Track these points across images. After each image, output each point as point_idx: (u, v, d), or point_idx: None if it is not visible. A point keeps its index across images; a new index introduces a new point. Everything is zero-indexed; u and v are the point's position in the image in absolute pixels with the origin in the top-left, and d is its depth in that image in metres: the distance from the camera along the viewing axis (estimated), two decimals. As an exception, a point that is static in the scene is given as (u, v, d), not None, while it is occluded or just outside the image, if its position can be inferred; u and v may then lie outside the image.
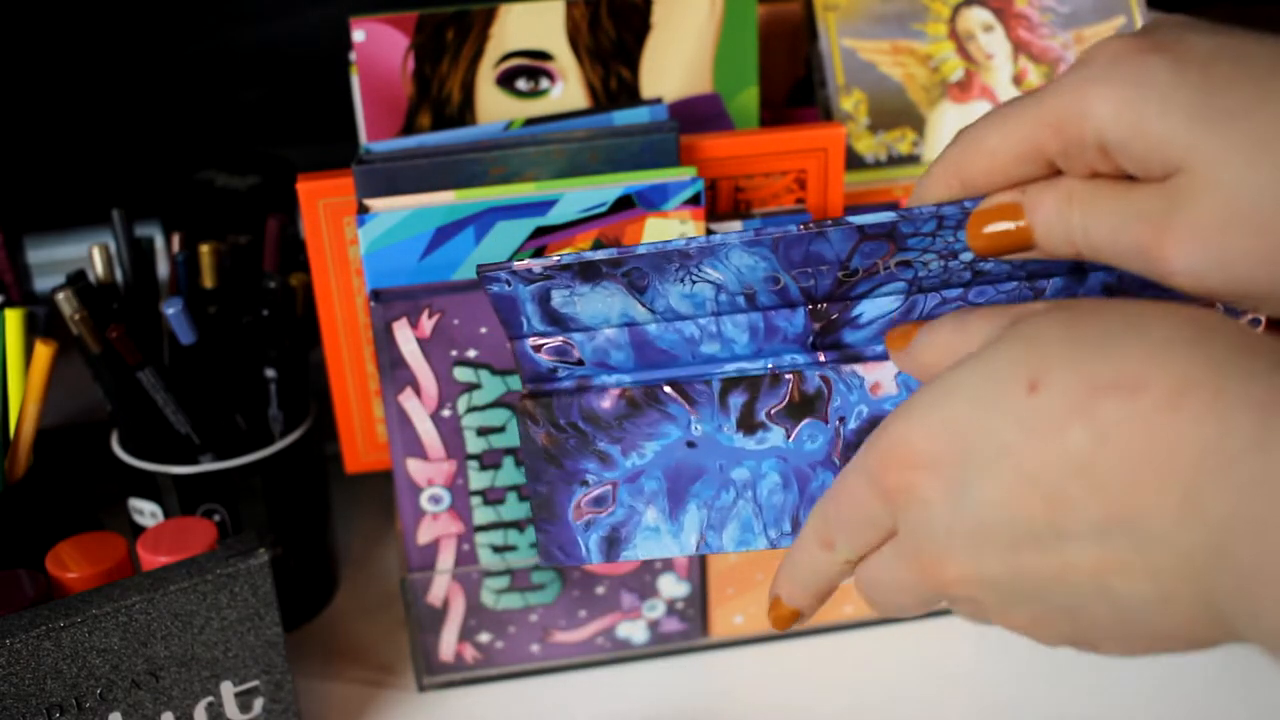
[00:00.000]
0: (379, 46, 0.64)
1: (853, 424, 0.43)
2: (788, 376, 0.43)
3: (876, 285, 0.43)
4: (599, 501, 0.45)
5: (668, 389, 0.44)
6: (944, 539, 0.35)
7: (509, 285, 0.43)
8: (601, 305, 0.43)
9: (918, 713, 0.61)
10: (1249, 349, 0.31)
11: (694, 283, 0.42)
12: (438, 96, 0.65)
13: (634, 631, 0.64)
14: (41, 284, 0.81)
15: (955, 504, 0.34)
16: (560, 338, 0.45)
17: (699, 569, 0.63)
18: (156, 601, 0.50)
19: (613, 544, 0.45)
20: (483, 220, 0.56)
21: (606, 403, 0.44)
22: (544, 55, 0.65)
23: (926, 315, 0.43)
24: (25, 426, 0.59)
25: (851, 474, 0.38)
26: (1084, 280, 0.43)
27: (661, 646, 0.65)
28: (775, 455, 0.43)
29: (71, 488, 0.65)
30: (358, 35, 0.63)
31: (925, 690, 0.62)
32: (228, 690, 0.54)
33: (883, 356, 0.43)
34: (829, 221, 0.40)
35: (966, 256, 0.41)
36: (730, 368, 0.45)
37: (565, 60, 0.65)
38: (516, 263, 0.42)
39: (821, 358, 0.44)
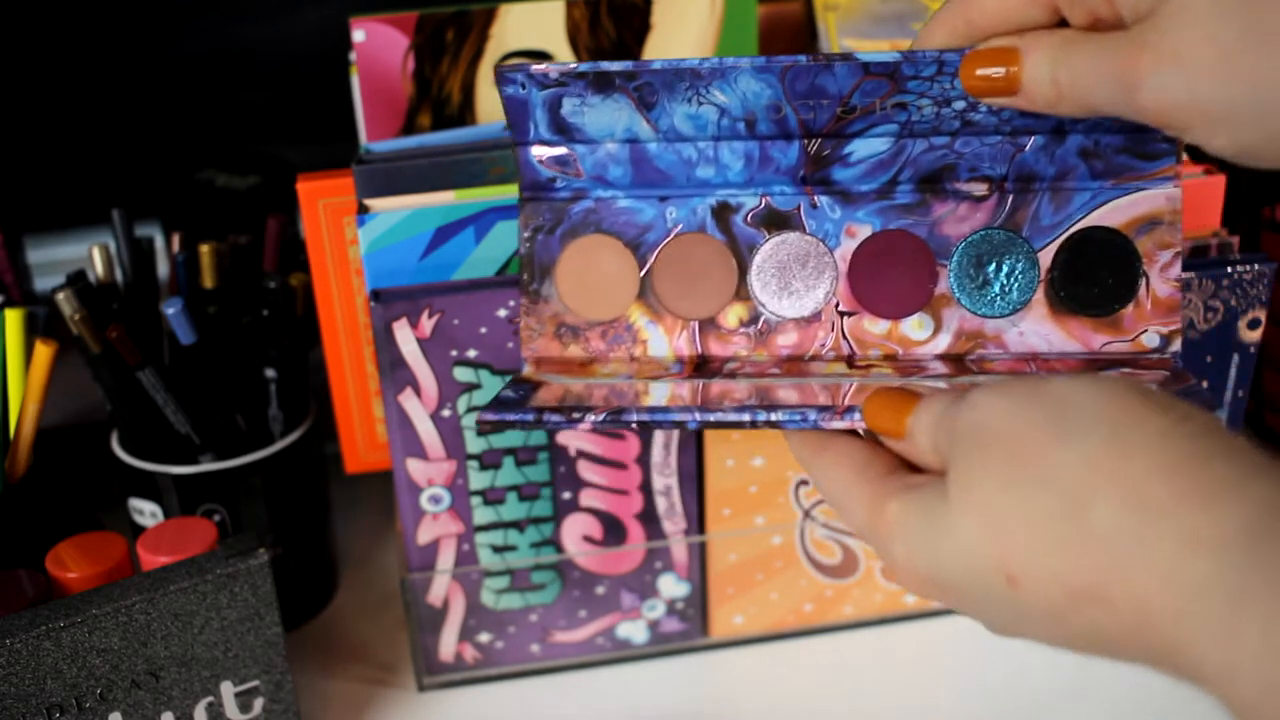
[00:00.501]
0: (379, 46, 0.64)
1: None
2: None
3: (871, 125, 0.45)
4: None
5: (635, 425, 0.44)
6: (990, 626, 0.37)
7: (524, 88, 0.45)
8: (608, 118, 0.46)
9: (918, 713, 0.61)
10: (1194, 537, 0.30)
11: (700, 104, 0.45)
12: (438, 96, 0.65)
13: (634, 631, 0.64)
14: (41, 284, 0.81)
15: (987, 622, 0.36)
16: (563, 148, 0.47)
17: (699, 569, 0.63)
18: (156, 601, 0.50)
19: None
20: (483, 220, 0.56)
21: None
22: (544, 55, 0.65)
23: (914, 160, 0.46)
24: (25, 426, 0.59)
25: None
26: (1063, 141, 0.45)
27: (661, 646, 0.65)
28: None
29: (71, 488, 0.65)
30: (358, 35, 0.63)
31: (925, 690, 0.62)
32: (228, 690, 0.54)
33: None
34: (836, 55, 0.42)
35: (959, 105, 0.44)
36: (721, 193, 0.47)
37: (565, 60, 0.65)
38: (534, 65, 0.44)
39: (809, 192, 0.46)
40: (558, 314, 0.49)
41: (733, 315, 0.48)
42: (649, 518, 0.61)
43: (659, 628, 0.64)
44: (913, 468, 0.39)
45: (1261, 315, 0.61)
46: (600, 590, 0.62)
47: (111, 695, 0.50)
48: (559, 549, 0.61)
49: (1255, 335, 0.61)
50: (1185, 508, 0.31)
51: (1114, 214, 0.46)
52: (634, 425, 0.43)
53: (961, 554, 0.35)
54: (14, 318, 0.58)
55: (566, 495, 0.60)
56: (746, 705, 0.62)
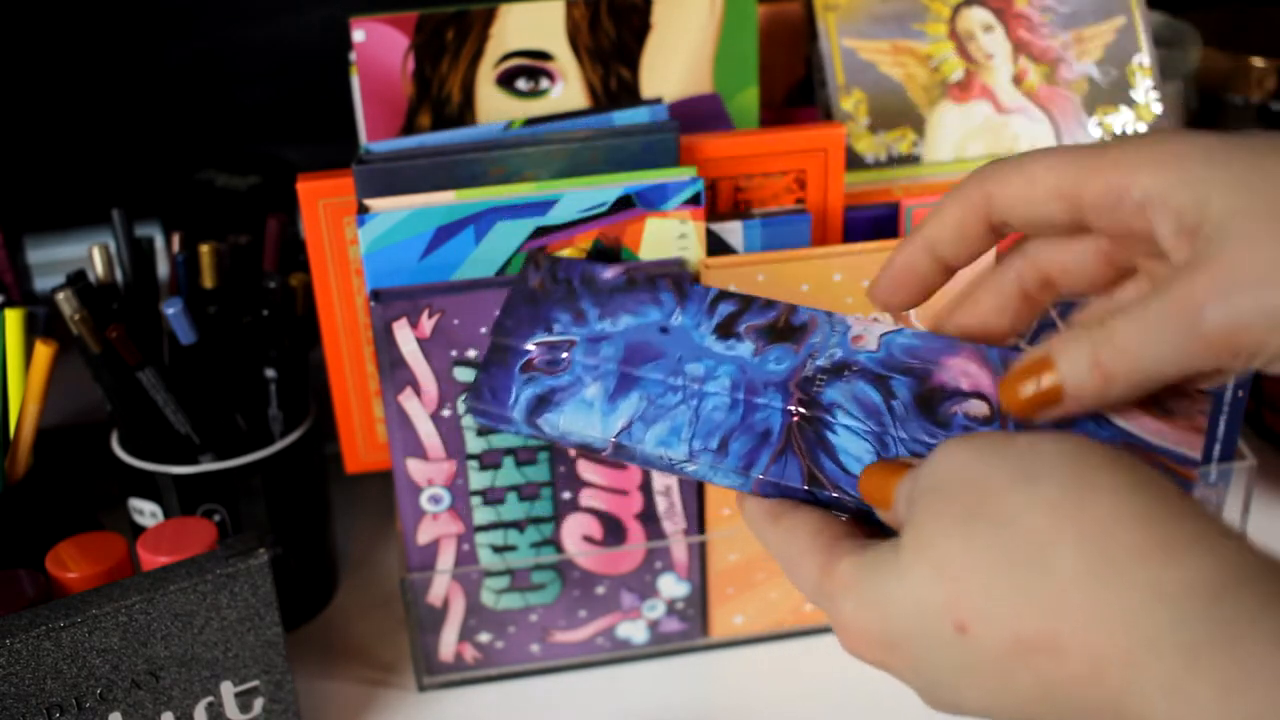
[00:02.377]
0: (379, 46, 0.64)
1: (821, 360, 0.43)
2: (780, 304, 0.44)
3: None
4: (552, 362, 0.45)
5: (664, 280, 0.44)
6: (932, 692, 0.36)
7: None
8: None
9: (917, 713, 0.61)
10: (1155, 587, 0.30)
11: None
12: (438, 96, 0.65)
13: (634, 631, 0.64)
14: (41, 284, 0.81)
15: (930, 684, 0.35)
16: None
17: (699, 569, 0.63)
18: (156, 601, 0.50)
19: (541, 404, 0.45)
20: (483, 220, 0.56)
21: (608, 273, 0.46)
22: (544, 55, 0.65)
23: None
24: (25, 426, 0.59)
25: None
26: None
27: (661, 646, 0.65)
28: (736, 364, 0.43)
29: (71, 488, 0.65)
30: (358, 35, 0.63)
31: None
32: (228, 690, 0.54)
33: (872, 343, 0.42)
34: (819, 483, 0.40)
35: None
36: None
37: (565, 60, 0.65)
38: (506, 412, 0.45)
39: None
40: None
41: None
42: (649, 518, 0.61)
43: (659, 628, 0.64)
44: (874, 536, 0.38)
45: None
46: (600, 590, 0.62)
47: (111, 695, 0.50)
48: (559, 549, 0.61)
49: (1255, 335, 0.61)
50: (1150, 559, 0.30)
51: None
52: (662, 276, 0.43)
53: (910, 600, 0.34)
54: (14, 318, 0.58)
55: (566, 495, 0.60)
56: (746, 705, 0.62)
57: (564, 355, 0.45)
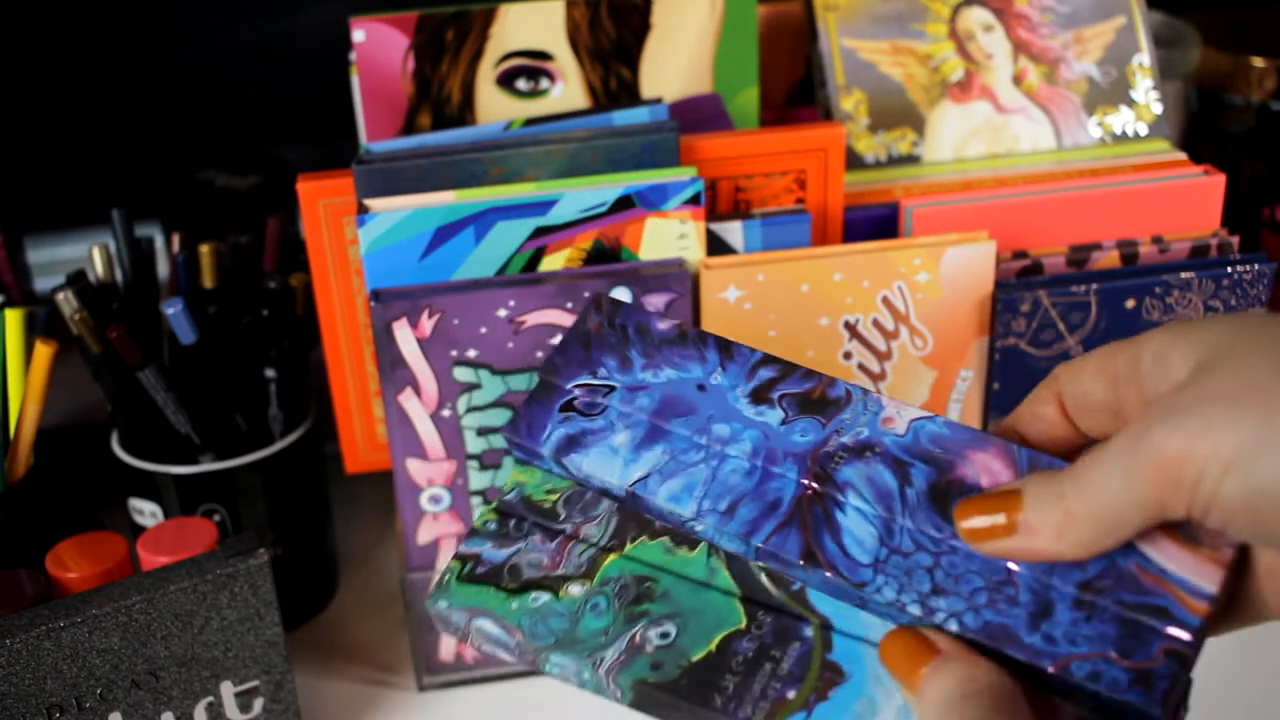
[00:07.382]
0: (379, 46, 0.64)
1: (846, 438, 0.42)
2: (821, 376, 0.44)
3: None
4: (591, 405, 0.45)
5: (713, 339, 0.45)
6: None
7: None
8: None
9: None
10: None
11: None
12: (438, 96, 0.65)
13: (634, 631, 0.64)
14: (41, 284, 0.81)
15: None
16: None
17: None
18: (156, 601, 0.50)
19: (571, 444, 0.44)
20: (483, 220, 0.56)
21: (661, 325, 0.46)
22: (544, 55, 0.65)
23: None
24: (25, 426, 0.59)
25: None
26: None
27: (661, 646, 0.65)
28: (761, 430, 0.43)
29: (71, 488, 0.65)
30: (358, 35, 0.63)
31: (925, 690, 0.62)
32: (228, 690, 0.54)
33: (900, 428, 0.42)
34: (814, 563, 0.40)
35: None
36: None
37: (565, 60, 0.65)
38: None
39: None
40: None
41: None
42: (649, 518, 0.61)
43: (659, 628, 0.64)
44: None
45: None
46: (600, 590, 0.62)
47: (111, 695, 0.50)
48: (559, 549, 0.61)
49: (1255, 335, 0.61)
50: None
51: None
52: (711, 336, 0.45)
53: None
54: (14, 318, 0.58)
55: (566, 495, 0.60)
56: (746, 705, 0.62)
57: (602, 400, 0.45)
